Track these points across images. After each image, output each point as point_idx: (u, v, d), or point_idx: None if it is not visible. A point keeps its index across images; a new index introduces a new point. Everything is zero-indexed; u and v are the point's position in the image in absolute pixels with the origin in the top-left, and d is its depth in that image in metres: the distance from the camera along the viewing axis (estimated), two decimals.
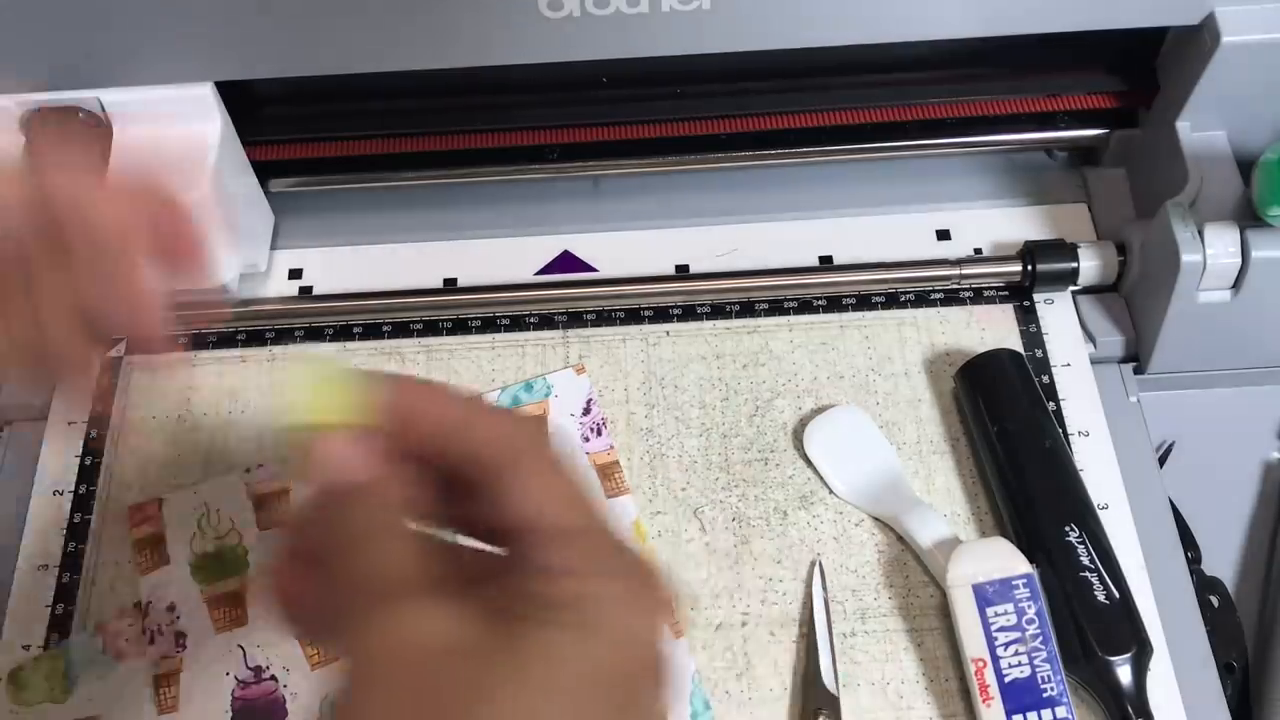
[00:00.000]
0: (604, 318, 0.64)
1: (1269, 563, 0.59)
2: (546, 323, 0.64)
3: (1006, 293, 0.64)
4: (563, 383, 0.61)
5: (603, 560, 0.32)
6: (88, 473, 0.60)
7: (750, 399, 0.61)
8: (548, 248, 0.67)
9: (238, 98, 0.61)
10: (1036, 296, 0.64)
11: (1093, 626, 0.52)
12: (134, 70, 0.58)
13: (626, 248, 0.67)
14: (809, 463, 0.59)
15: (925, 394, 0.61)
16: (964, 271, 0.63)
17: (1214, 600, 0.57)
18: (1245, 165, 0.59)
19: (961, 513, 0.58)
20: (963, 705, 0.53)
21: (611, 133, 0.66)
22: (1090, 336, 0.62)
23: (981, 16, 0.58)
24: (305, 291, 0.66)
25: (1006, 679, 0.51)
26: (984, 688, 0.51)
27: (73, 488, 0.59)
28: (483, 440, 0.32)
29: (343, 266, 0.67)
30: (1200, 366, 0.62)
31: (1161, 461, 0.61)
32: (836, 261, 0.66)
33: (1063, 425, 0.59)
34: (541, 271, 0.66)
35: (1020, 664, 0.51)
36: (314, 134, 0.66)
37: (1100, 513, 0.56)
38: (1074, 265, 0.62)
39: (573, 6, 0.56)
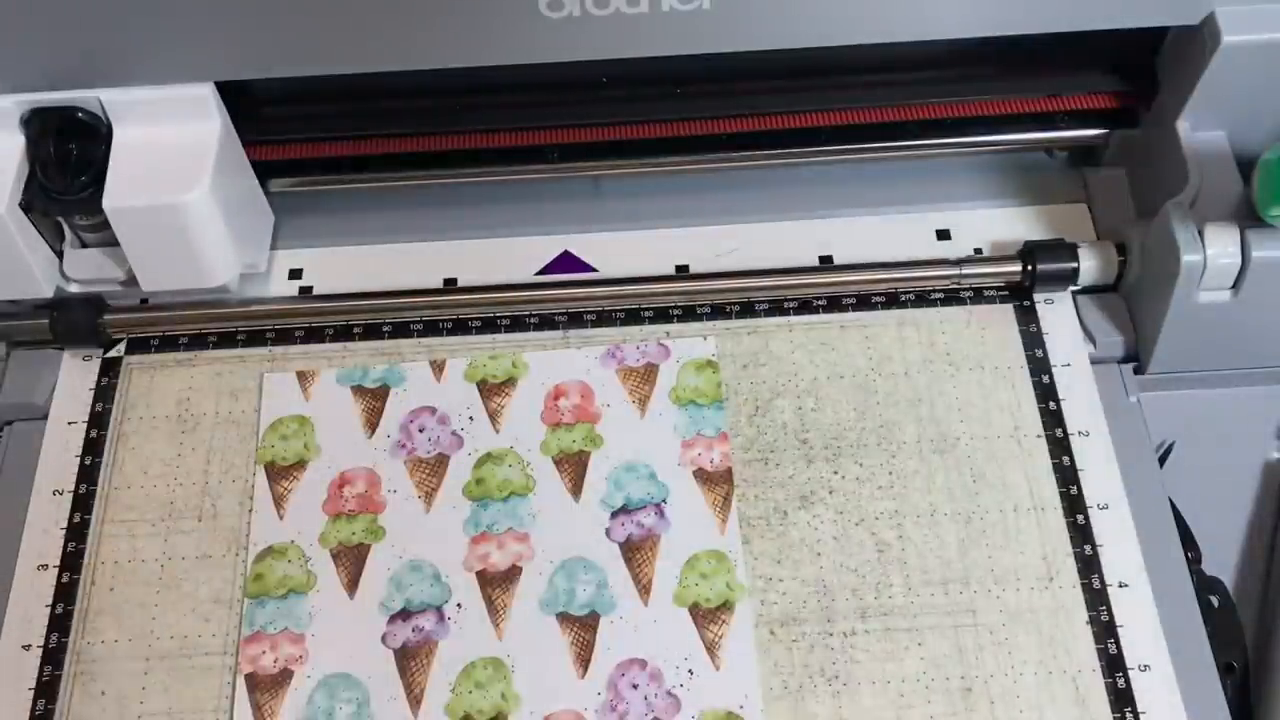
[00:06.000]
0: (604, 318, 0.64)
1: (1269, 563, 0.59)
2: (546, 323, 0.64)
3: (1006, 293, 0.64)
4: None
5: None
6: (88, 473, 0.60)
7: (750, 399, 0.61)
8: (548, 248, 0.67)
9: (238, 98, 0.61)
10: (1036, 296, 0.64)
11: None
12: (134, 70, 0.58)
13: (626, 248, 0.67)
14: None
15: (925, 394, 0.61)
16: (964, 271, 0.63)
17: (1214, 600, 0.57)
18: (1245, 165, 0.59)
19: (963, 512, 0.58)
20: (962, 705, 0.53)
21: (611, 133, 0.66)
22: (1090, 336, 0.62)
23: (981, 16, 0.58)
24: (305, 291, 0.66)
25: None
26: None
27: (73, 488, 0.59)
28: None
29: (343, 266, 0.67)
30: (1200, 366, 0.62)
31: (1161, 461, 0.61)
32: (836, 261, 0.66)
33: (1062, 425, 0.59)
34: (541, 271, 0.66)
35: None
36: (314, 134, 0.66)
37: (1100, 512, 0.56)
38: (1074, 265, 0.62)
39: (573, 6, 0.56)
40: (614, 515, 0.58)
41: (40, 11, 0.55)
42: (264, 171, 0.65)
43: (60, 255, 0.64)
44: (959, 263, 0.63)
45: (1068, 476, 0.58)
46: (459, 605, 0.56)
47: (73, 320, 0.63)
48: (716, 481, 0.58)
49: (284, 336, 0.64)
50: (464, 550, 0.57)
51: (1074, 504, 0.57)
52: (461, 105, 0.66)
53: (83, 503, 0.59)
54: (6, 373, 0.64)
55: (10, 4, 0.55)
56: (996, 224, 0.67)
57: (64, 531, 0.58)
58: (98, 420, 0.62)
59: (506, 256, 0.66)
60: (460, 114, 0.66)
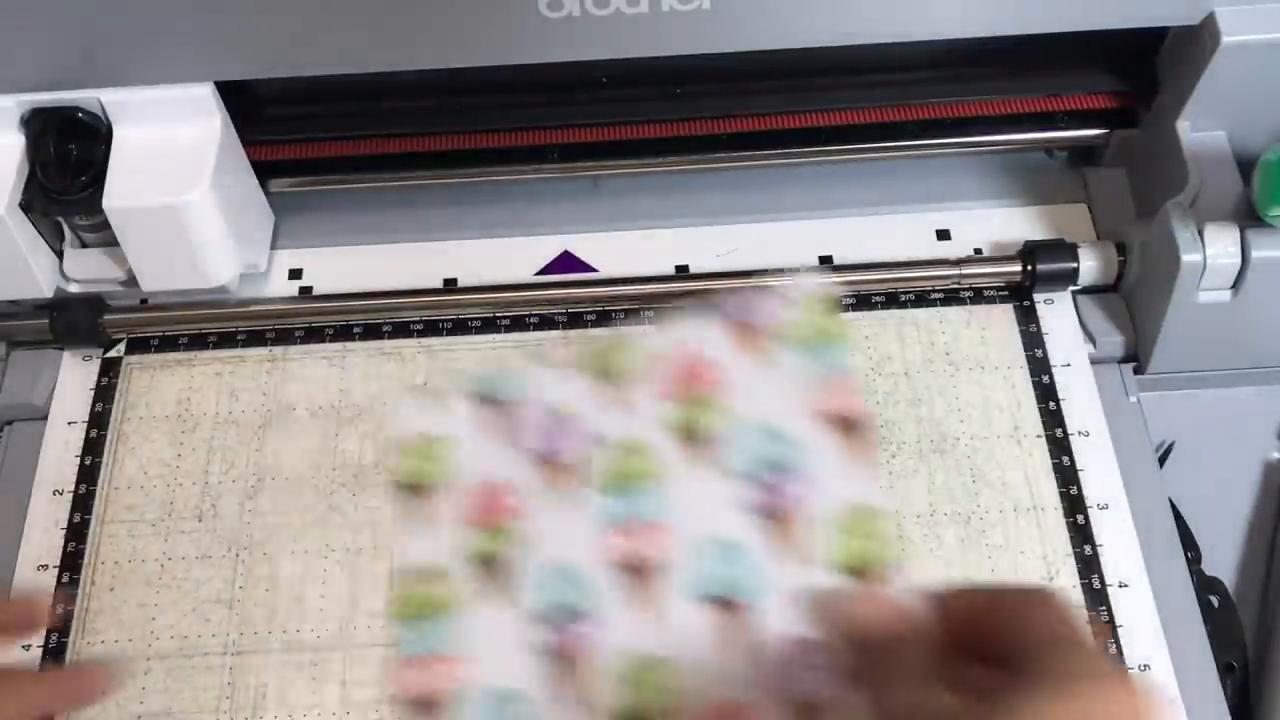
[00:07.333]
0: (604, 318, 0.64)
1: (1269, 563, 0.59)
2: (546, 323, 0.64)
3: (1006, 293, 0.64)
4: None
5: None
6: (88, 473, 0.60)
7: None
8: (548, 248, 0.67)
9: (238, 98, 0.61)
10: (1036, 296, 0.64)
11: None
12: (134, 70, 0.58)
13: (626, 248, 0.67)
14: None
15: (925, 394, 0.61)
16: (964, 271, 0.63)
17: (1214, 600, 0.57)
18: (1245, 165, 0.59)
19: (963, 512, 0.58)
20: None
21: (611, 133, 0.66)
22: (1090, 336, 0.62)
23: (981, 16, 0.58)
24: (305, 291, 0.66)
25: None
26: None
27: (72, 488, 0.60)
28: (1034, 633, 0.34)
29: (343, 266, 0.67)
30: (1200, 366, 0.62)
31: (1161, 461, 0.61)
32: (836, 261, 0.66)
33: (1062, 425, 0.59)
34: (541, 271, 0.66)
35: None
36: (314, 134, 0.66)
37: (1100, 512, 0.56)
38: (1074, 265, 0.62)
39: (573, 6, 0.56)
40: (751, 485, 0.55)
41: (40, 11, 0.55)
42: (264, 171, 0.65)
43: (60, 255, 0.64)
44: (959, 263, 0.63)
45: (1068, 476, 0.58)
46: (607, 603, 0.54)
47: (73, 320, 0.63)
48: (851, 427, 0.52)
49: (284, 336, 0.64)
50: (604, 547, 0.55)
51: (1074, 504, 0.57)
52: (461, 105, 0.66)
53: (83, 503, 0.59)
54: (6, 373, 0.64)
55: (10, 4, 0.55)
56: (996, 224, 0.67)
57: (64, 531, 0.58)
58: (98, 420, 0.62)
59: (506, 256, 0.66)
60: (460, 114, 0.66)
